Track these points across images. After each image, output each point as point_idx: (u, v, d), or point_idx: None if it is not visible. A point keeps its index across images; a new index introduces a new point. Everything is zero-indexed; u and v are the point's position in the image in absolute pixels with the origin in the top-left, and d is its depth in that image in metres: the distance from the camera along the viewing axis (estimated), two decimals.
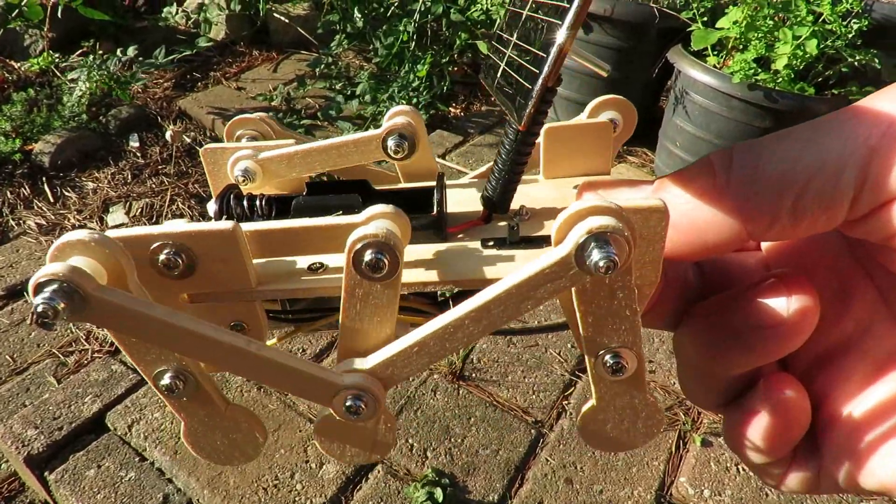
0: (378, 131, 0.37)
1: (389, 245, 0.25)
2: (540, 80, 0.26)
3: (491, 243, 0.32)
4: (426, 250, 0.32)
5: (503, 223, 0.34)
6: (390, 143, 0.37)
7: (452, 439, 1.24)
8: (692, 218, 0.25)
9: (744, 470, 1.21)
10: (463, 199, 0.37)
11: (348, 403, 0.27)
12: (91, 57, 2.25)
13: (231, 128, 0.41)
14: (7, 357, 1.38)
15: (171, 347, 0.26)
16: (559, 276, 0.24)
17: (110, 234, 0.26)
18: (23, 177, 1.94)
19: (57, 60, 2.40)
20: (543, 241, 0.32)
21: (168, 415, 1.23)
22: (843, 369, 0.28)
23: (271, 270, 0.31)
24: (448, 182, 0.39)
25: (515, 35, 0.30)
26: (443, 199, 0.33)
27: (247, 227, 0.28)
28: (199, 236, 0.27)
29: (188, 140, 2.15)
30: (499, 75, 0.31)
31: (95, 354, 1.39)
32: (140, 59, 2.38)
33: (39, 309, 0.22)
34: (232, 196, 0.35)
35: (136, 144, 2.12)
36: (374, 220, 0.27)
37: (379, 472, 1.18)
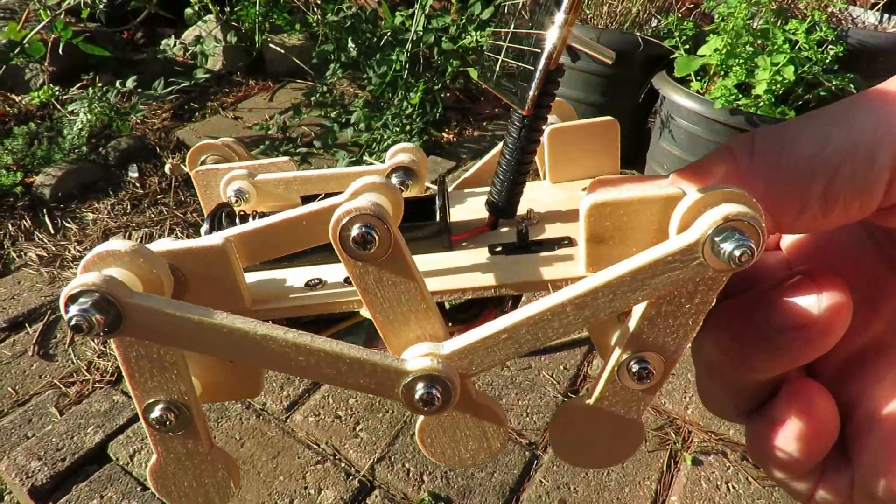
0: (382, 166, 0.36)
1: (376, 215, 0.22)
2: (543, 59, 0.24)
3: (499, 249, 0.30)
4: (430, 260, 0.30)
5: (506, 229, 0.31)
6: (395, 179, 0.36)
7: None
8: None
9: (734, 488, 1.23)
10: (463, 208, 0.35)
11: (420, 393, 0.24)
12: (91, 90, 2.30)
13: (194, 154, 0.39)
14: (9, 389, 1.41)
15: (214, 351, 0.23)
16: (681, 266, 0.22)
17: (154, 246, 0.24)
18: (24, 209, 1.98)
19: (57, 93, 2.46)
20: (555, 244, 0.29)
21: None
22: (874, 373, 0.26)
23: (265, 289, 0.29)
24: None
25: (513, 25, 0.29)
26: (445, 205, 0.31)
27: (230, 232, 0.27)
28: (188, 254, 0.25)
29: (186, 170, 2.20)
30: (498, 68, 0.29)
31: (97, 385, 1.41)
32: (139, 90, 2.44)
33: (73, 322, 0.21)
34: (224, 214, 0.32)
35: (136, 175, 2.16)
36: (361, 194, 0.25)
37: (377, 497, 1.20)
